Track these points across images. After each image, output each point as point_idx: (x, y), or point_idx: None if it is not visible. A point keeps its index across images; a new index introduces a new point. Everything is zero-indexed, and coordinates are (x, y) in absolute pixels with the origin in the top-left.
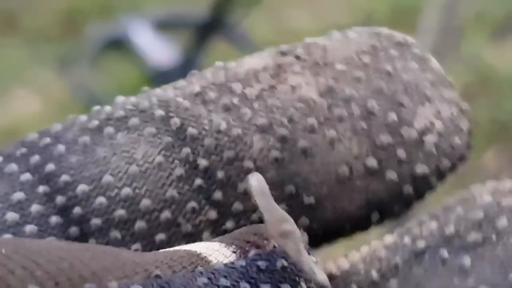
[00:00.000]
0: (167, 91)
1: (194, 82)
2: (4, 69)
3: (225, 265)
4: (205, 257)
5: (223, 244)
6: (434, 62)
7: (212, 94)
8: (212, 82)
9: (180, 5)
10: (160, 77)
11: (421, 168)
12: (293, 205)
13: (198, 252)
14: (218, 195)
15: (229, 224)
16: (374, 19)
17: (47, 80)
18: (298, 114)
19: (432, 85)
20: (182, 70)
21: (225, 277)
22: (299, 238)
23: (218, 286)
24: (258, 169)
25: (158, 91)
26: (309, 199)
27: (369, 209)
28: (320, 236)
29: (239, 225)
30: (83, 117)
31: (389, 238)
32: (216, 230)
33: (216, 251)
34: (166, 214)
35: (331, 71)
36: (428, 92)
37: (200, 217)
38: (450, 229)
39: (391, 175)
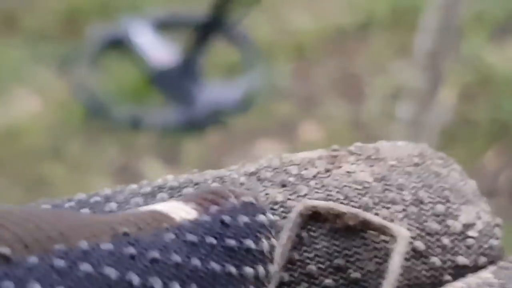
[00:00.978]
0: (219, 171)
1: (247, 165)
2: (4, 69)
3: (190, 221)
4: (168, 213)
5: (181, 202)
6: (472, 181)
7: (267, 174)
8: (267, 166)
9: (180, 5)
10: (160, 77)
11: (462, 260)
12: (339, 279)
13: (160, 210)
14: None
15: None
16: (374, 19)
17: (47, 80)
18: (353, 193)
19: (472, 193)
20: (182, 70)
21: (191, 232)
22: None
23: (185, 241)
24: (311, 238)
25: (210, 170)
26: (355, 274)
27: None
28: None
29: None
30: (133, 186)
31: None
32: None
33: (177, 209)
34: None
35: (384, 164)
36: (470, 197)
37: None
38: None
39: (435, 260)
